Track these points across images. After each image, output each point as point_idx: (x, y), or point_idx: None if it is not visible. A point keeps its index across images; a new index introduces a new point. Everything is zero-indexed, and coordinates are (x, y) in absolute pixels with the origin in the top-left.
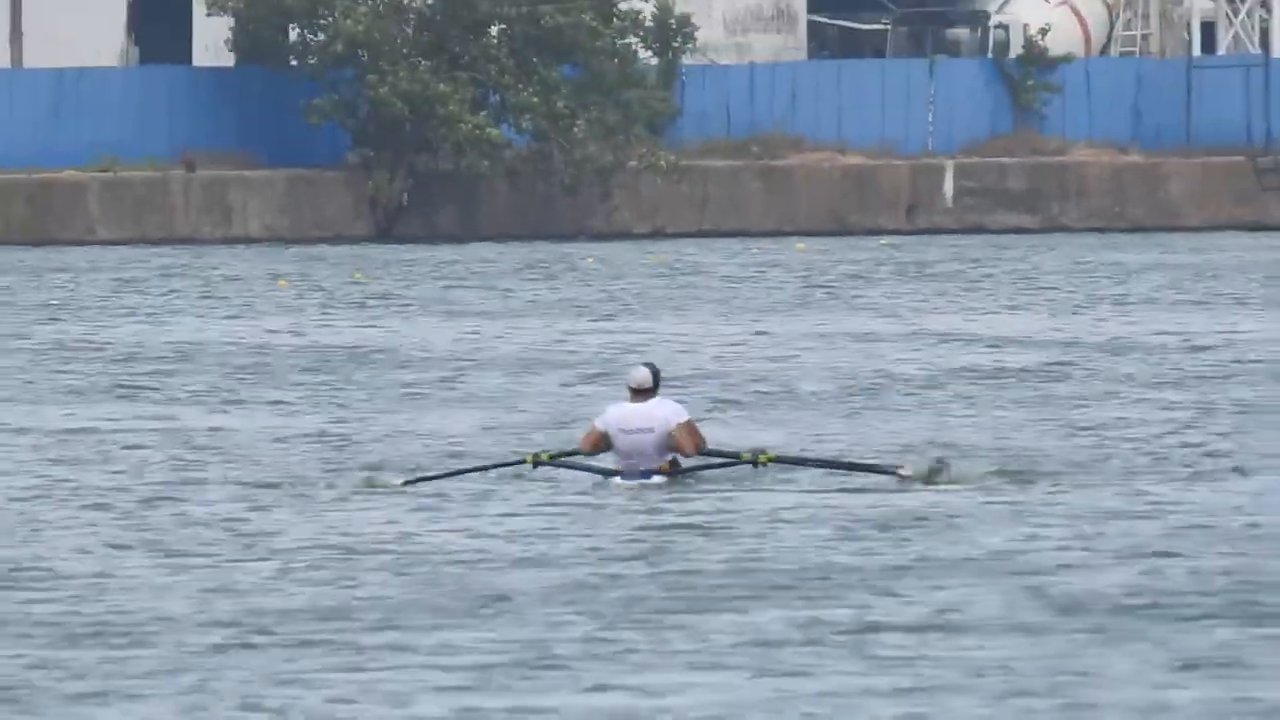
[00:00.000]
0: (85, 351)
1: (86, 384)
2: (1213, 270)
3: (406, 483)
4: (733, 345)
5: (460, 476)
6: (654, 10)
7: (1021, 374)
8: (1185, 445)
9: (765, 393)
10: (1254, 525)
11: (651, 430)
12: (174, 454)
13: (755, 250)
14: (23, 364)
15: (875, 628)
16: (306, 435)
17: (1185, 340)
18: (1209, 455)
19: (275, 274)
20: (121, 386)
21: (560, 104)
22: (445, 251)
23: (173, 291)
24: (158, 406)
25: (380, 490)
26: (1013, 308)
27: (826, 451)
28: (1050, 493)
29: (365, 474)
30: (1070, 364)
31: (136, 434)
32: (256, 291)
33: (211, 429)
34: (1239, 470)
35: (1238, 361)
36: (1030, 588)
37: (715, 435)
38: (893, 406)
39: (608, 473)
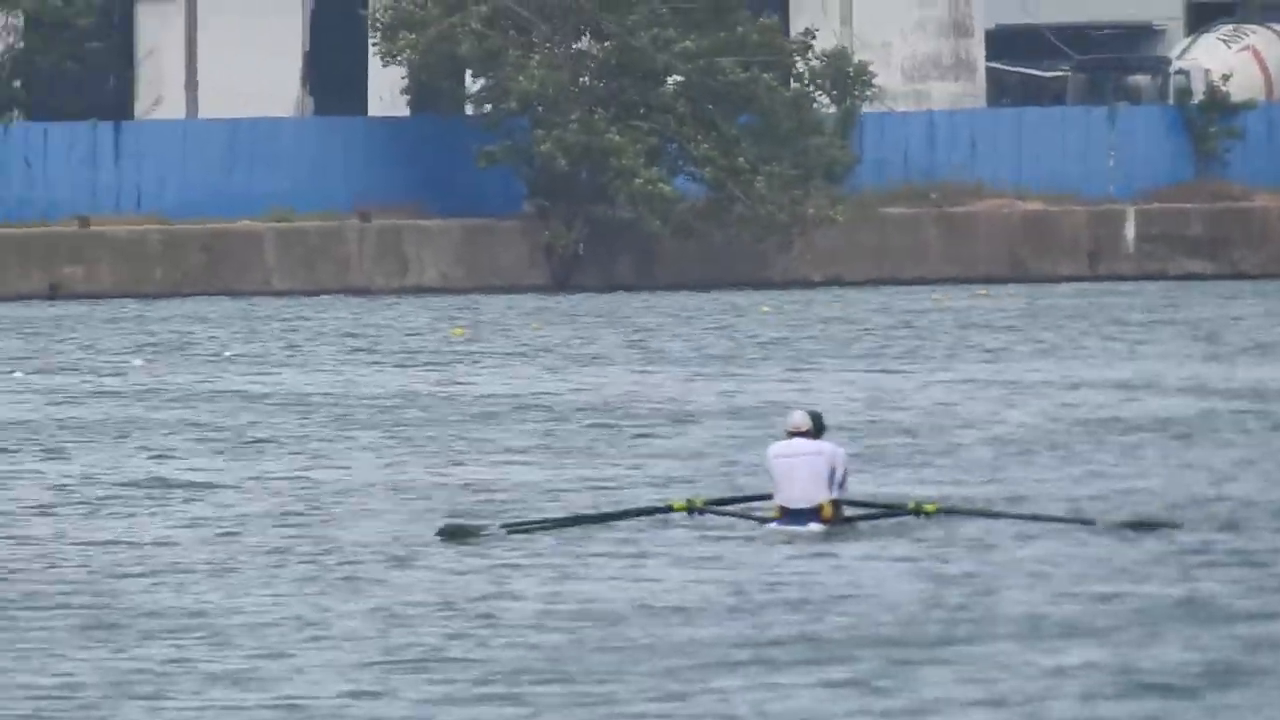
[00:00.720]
0: (268, 400)
1: (280, 434)
2: None
3: (557, 523)
4: (908, 392)
5: (617, 521)
6: (828, 56)
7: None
8: None
9: (957, 442)
10: None
11: (820, 454)
12: (356, 497)
13: (935, 298)
14: (200, 412)
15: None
16: (472, 481)
17: None
18: None
19: (452, 322)
20: (295, 438)
21: (740, 159)
22: (622, 300)
23: (349, 338)
24: (339, 451)
25: (524, 529)
26: (1198, 356)
27: (996, 503)
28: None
29: (507, 520)
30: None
31: (307, 481)
32: (432, 341)
33: (389, 467)
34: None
35: None
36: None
37: (893, 479)
38: (1080, 456)
39: (763, 519)
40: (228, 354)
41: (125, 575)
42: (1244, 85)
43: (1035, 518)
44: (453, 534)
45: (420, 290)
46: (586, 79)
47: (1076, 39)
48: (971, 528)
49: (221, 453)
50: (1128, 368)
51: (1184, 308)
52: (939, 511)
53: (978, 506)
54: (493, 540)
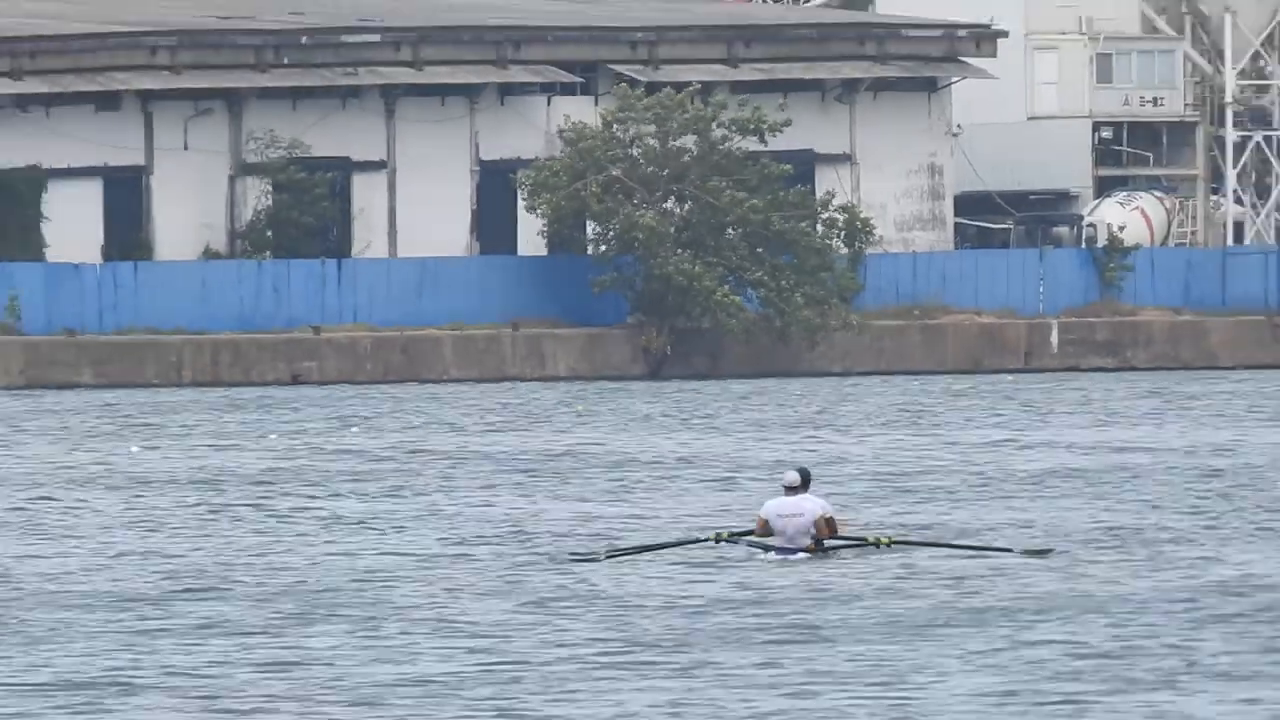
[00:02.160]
0: (454, 455)
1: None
2: (1241, 395)
3: (615, 553)
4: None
5: (663, 550)
6: (843, 212)
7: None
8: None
9: (914, 488)
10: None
11: (801, 516)
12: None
13: (916, 384)
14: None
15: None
16: (591, 514)
17: (1213, 448)
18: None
19: (576, 402)
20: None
21: (783, 282)
22: (698, 385)
23: (497, 413)
24: (504, 496)
25: (613, 557)
26: (1098, 424)
27: (944, 535)
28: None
29: (607, 546)
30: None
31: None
32: (563, 413)
33: (532, 502)
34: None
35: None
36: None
37: (865, 515)
38: (1006, 497)
39: (768, 548)
40: (417, 423)
41: (394, 580)
42: (1134, 234)
43: (967, 548)
44: (578, 558)
45: (554, 379)
46: (672, 228)
47: (1017, 201)
48: (917, 556)
49: (425, 492)
50: (1053, 432)
51: (1092, 391)
52: (893, 543)
53: (925, 539)
54: (602, 562)
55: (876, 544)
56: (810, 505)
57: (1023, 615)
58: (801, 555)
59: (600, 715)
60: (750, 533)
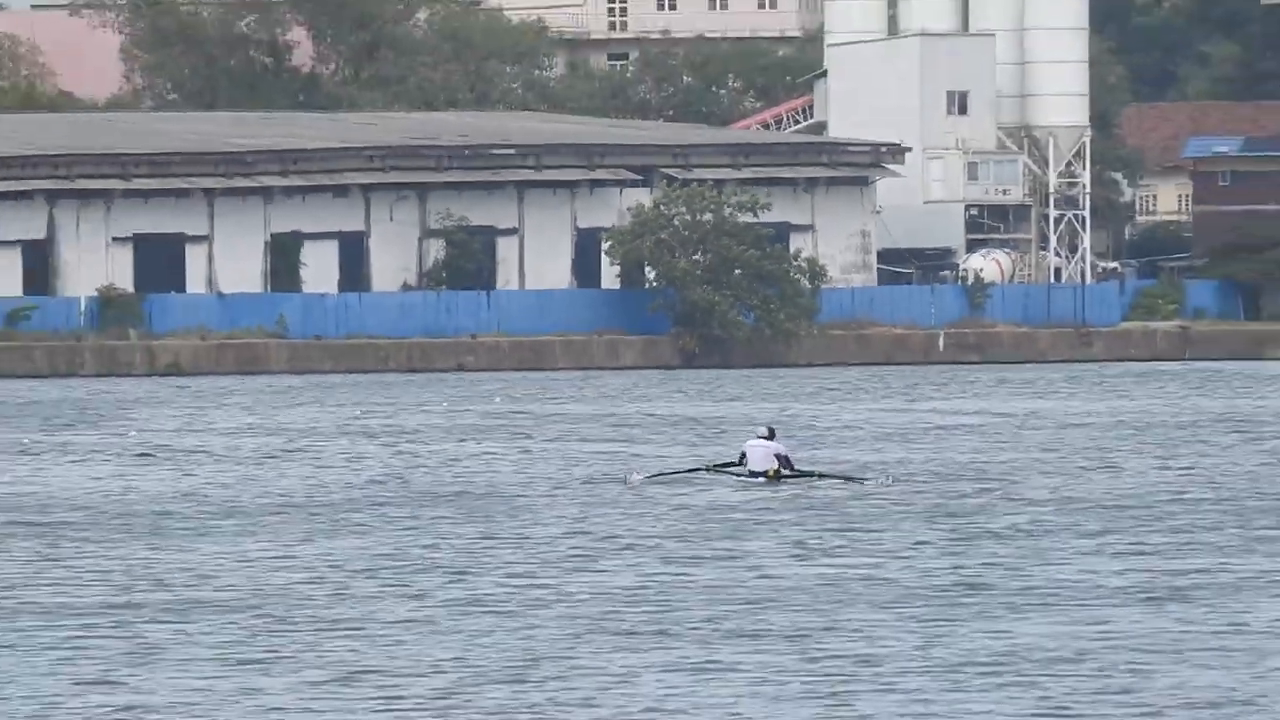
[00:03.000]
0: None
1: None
2: (1055, 380)
3: (649, 478)
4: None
5: (674, 476)
6: (807, 262)
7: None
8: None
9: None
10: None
11: (767, 450)
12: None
13: (853, 373)
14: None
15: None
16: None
17: (1002, 414)
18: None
19: (639, 386)
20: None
21: (770, 306)
22: (716, 373)
23: (587, 390)
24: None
25: (638, 483)
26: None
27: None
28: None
29: (638, 475)
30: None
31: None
32: (631, 398)
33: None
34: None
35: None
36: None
37: (810, 455)
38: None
39: (740, 474)
40: (545, 396)
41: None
42: (990, 275)
43: (846, 478)
44: (625, 482)
45: (624, 369)
46: (699, 271)
47: (917, 255)
48: (828, 484)
49: (551, 439)
50: (943, 403)
51: (966, 377)
52: (821, 476)
53: (835, 473)
54: (641, 485)
55: (810, 475)
56: (774, 446)
57: (881, 520)
58: (762, 480)
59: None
60: (732, 463)
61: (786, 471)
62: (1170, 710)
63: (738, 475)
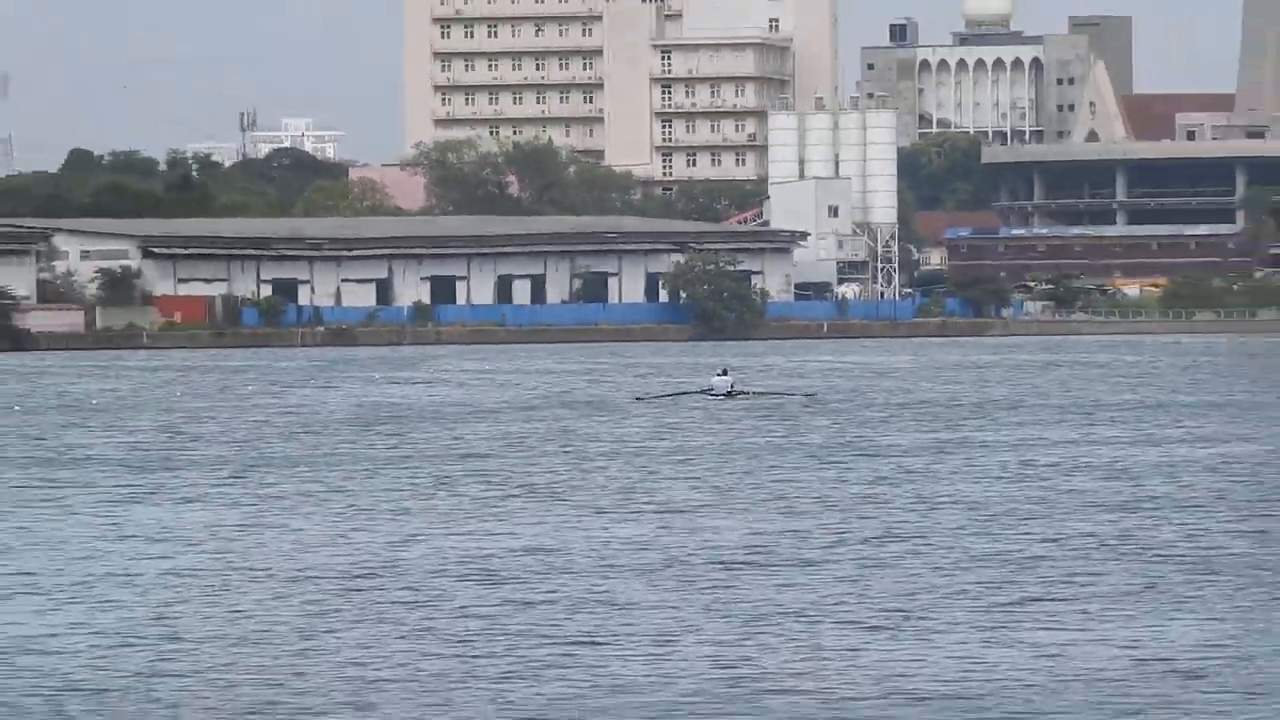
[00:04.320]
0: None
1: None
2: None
3: (638, 399)
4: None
5: (662, 398)
6: (760, 289)
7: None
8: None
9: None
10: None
11: (725, 381)
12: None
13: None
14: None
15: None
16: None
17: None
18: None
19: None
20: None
21: (744, 311)
22: (712, 344)
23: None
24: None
25: (640, 401)
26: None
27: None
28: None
29: (635, 396)
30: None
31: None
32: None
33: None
34: (810, 396)
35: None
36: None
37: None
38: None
39: (706, 393)
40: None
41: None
42: (850, 295)
43: (785, 393)
44: (639, 399)
45: (670, 341)
46: (708, 292)
47: (813, 286)
48: (768, 399)
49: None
50: (829, 359)
51: (838, 349)
52: (762, 394)
53: (770, 390)
54: (638, 403)
55: (747, 394)
56: (728, 379)
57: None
58: (723, 397)
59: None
60: (707, 389)
61: (736, 390)
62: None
63: (709, 394)
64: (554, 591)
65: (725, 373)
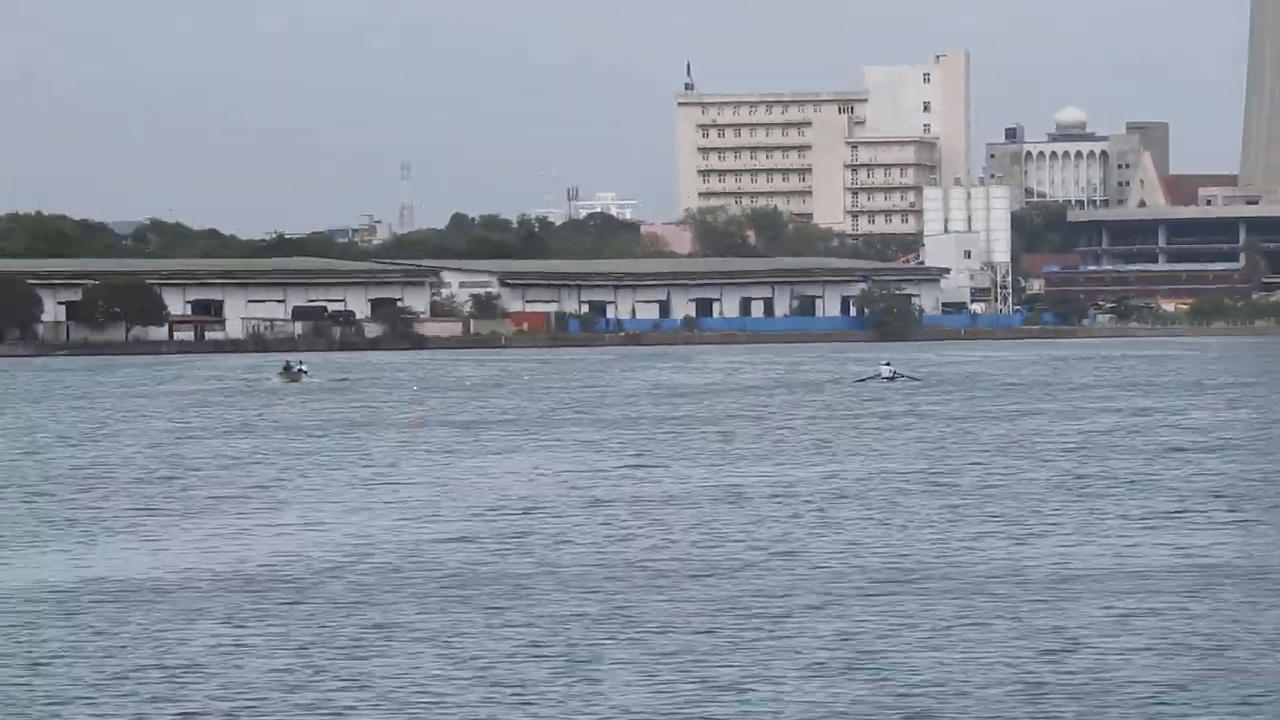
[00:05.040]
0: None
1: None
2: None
3: (857, 380)
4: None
5: (865, 380)
6: (919, 305)
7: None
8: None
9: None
10: None
11: (890, 369)
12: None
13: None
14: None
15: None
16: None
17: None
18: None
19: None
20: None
21: (906, 319)
22: (883, 345)
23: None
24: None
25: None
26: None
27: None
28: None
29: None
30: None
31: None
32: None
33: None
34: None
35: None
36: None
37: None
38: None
39: (877, 377)
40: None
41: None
42: (980, 311)
43: (915, 378)
44: (858, 381)
45: (818, 341)
46: (882, 309)
47: (954, 304)
48: (913, 381)
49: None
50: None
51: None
52: (909, 378)
53: (916, 376)
54: (856, 382)
55: (903, 378)
56: (891, 367)
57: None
58: (887, 380)
59: None
60: (876, 375)
61: (901, 373)
62: None
63: (879, 379)
64: (794, 515)
65: (889, 364)
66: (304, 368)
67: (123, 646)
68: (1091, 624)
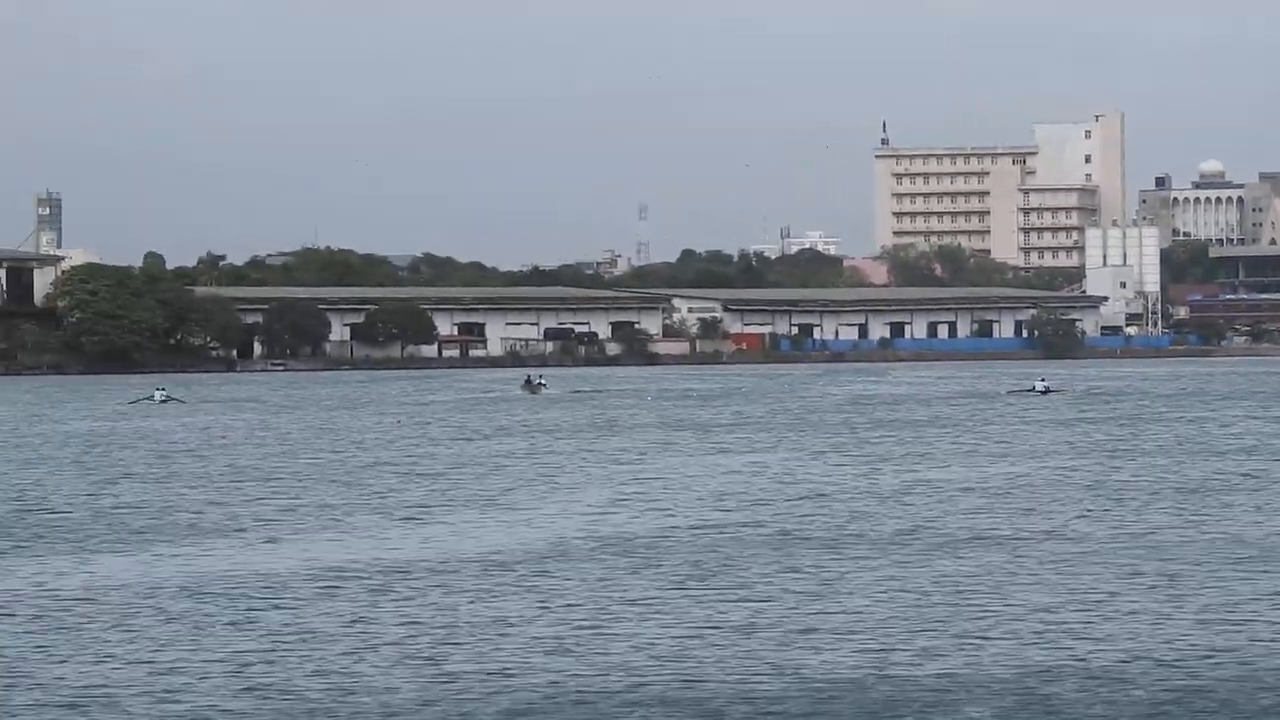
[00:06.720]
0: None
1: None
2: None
3: (1009, 391)
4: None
5: (1018, 390)
6: (1081, 327)
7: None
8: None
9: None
10: None
11: (1044, 384)
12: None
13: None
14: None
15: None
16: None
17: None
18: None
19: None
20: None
21: (1070, 337)
22: (1044, 363)
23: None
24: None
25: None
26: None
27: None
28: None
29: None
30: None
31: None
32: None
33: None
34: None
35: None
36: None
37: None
38: None
39: (1034, 391)
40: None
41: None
42: (1132, 332)
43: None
44: (1009, 392)
45: (953, 360)
46: (1051, 327)
47: (1112, 327)
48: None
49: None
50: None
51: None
52: (1056, 390)
53: (1063, 389)
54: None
55: (1053, 391)
56: (1046, 382)
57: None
58: (1040, 393)
59: None
60: (1032, 389)
61: (1051, 388)
62: None
63: (1035, 391)
64: (980, 509)
65: (1043, 379)
66: (543, 380)
67: (503, 602)
68: None
